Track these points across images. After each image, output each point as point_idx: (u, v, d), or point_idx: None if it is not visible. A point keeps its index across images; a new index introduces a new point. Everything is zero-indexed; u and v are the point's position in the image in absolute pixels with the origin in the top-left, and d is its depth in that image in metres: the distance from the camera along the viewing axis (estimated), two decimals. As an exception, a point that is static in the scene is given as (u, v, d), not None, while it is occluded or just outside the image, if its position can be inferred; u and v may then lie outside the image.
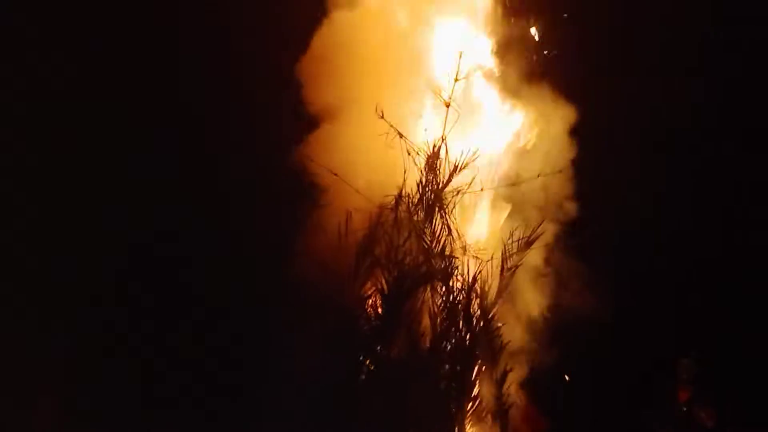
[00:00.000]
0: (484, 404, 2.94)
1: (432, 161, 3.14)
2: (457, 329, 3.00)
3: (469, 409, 2.90)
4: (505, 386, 2.94)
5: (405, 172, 3.10)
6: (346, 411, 2.87)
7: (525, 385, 3.26)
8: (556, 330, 3.40)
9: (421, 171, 3.14)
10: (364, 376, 2.91)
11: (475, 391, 2.93)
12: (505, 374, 3.18)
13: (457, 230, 3.16)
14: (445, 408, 2.87)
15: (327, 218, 3.16)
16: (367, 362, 2.95)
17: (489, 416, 2.93)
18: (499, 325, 3.08)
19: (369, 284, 3.03)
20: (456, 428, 2.82)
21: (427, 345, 2.99)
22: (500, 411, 3.47)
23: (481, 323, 3.07)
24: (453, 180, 3.17)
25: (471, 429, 2.89)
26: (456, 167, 3.13)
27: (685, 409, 5.50)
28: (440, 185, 3.15)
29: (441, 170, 3.15)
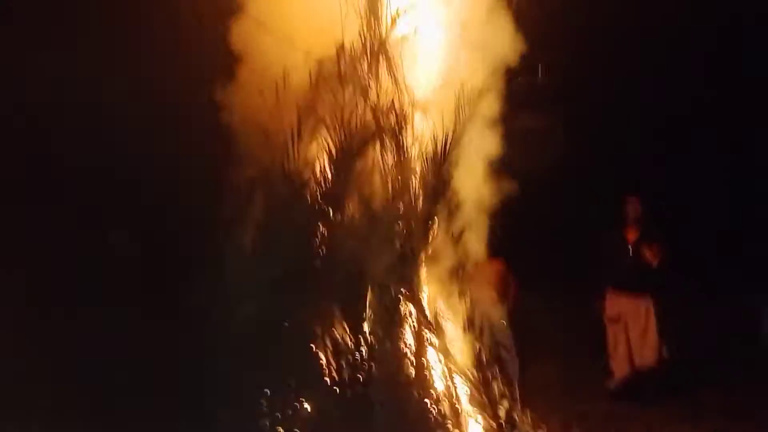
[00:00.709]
0: (441, 262, 2.88)
1: (373, 4, 2.82)
2: (410, 188, 2.85)
3: (427, 267, 2.83)
4: (465, 242, 2.90)
5: (343, 19, 2.77)
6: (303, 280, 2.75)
7: (489, 241, 3.18)
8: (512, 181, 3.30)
9: (362, 16, 2.83)
10: (318, 241, 2.76)
11: (431, 249, 2.85)
12: (461, 231, 3.16)
13: (405, 82, 2.92)
14: (403, 267, 2.79)
15: (263, 81, 2.85)
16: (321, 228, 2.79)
17: (449, 274, 2.89)
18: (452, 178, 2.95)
19: (314, 147, 2.81)
20: (414, 287, 2.76)
21: (380, 207, 2.84)
22: (459, 267, 3.48)
23: (435, 180, 2.93)
24: (398, 25, 2.88)
25: (431, 286, 2.84)
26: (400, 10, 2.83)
27: (631, 249, 5.71)
28: (384, 32, 2.85)
29: (384, 15, 2.84)
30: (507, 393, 2.93)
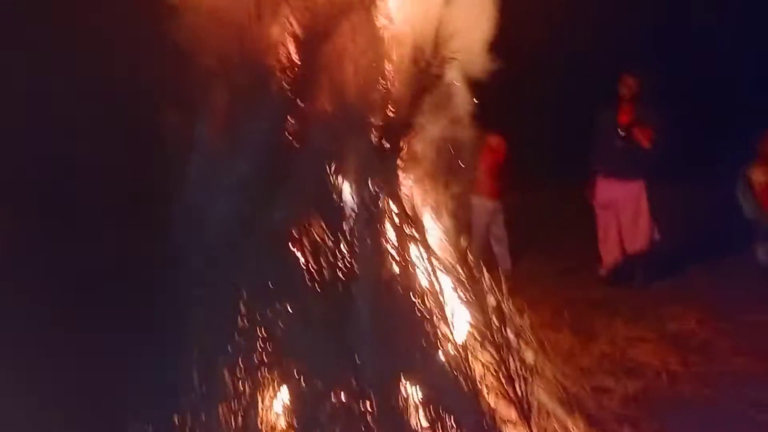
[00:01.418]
0: (420, 147, 2.69)
1: None
2: (386, 75, 2.61)
3: (404, 154, 2.65)
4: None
5: None
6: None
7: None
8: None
9: None
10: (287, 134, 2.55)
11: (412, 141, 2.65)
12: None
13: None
14: (381, 162, 2.61)
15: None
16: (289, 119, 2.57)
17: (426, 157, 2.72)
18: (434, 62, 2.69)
19: (276, 30, 2.52)
20: (393, 181, 2.59)
21: (353, 96, 2.61)
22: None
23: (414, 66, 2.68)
24: None
25: (408, 175, 2.67)
26: None
27: (624, 131, 5.50)
28: None
29: None
30: (494, 286, 2.83)
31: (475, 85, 3.38)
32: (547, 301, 5.57)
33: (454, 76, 2.88)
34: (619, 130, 5.44)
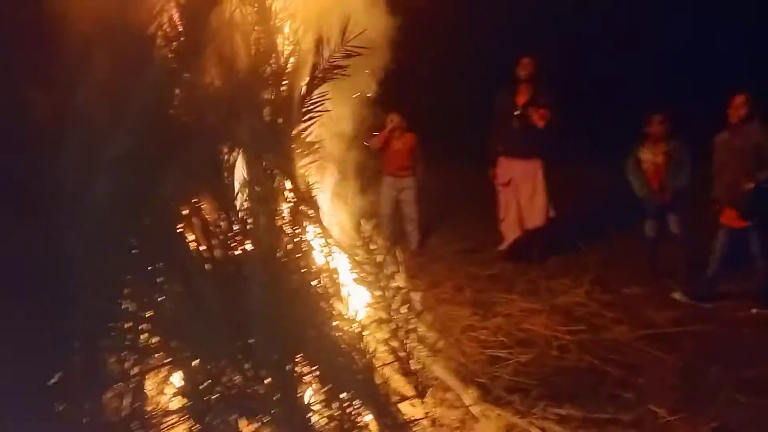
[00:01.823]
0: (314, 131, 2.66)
1: None
2: (277, 50, 2.55)
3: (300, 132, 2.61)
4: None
5: None
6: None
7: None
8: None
9: None
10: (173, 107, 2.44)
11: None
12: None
13: None
14: (274, 139, 2.55)
15: None
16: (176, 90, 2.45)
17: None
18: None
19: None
20: (287, 159, 2.55)
21: (244, 70, 2.53)
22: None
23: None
24: None
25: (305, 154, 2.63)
26: None
27: (520, 110, 5.70)
28: None
29: None
30: (395, 265, 2.86)
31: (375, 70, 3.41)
32: (450, 278, 5.74)
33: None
34: (515, 110, 5.64)
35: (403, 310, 2.79)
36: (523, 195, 5.95)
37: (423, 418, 2.81)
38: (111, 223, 2.32)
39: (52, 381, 2.14)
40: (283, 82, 2.63)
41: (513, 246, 6.17)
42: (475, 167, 6.64)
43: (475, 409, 3.19)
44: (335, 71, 2.54)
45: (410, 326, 2.70)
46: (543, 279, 5.70)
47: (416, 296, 3.06)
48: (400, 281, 2.86)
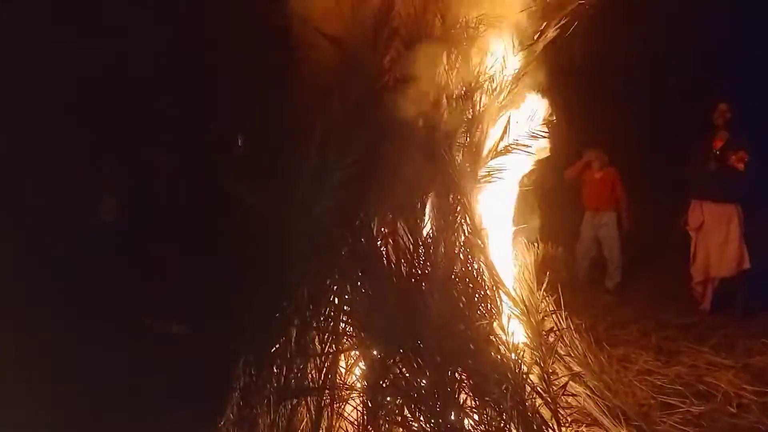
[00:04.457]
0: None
1: None
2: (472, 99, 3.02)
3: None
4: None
5: None
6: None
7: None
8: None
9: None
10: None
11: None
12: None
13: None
14: (462, 176, 3.03)
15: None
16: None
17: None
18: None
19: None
20: (469, 199, 3.00)
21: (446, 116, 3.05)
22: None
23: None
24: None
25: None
26: None
27: (718, 153, 5.51)
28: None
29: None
30: (551, 300, 3.17)
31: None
32: (637, 322, 5.69)
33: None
34: (712, 154, 5.51)
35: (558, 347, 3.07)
36: (713, 241, 5.69)
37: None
38: (329, 231, 2.99)
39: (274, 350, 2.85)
40: (476, 129, 3.11)
41: (704, 295, 5.91)
42: (673, 209, 6.44)
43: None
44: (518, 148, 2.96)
45: (557, 360, 2.96)
46: (741, 336, 5.36)
47: (578, 339, 3.30)
48: (557, 321, 3.15)
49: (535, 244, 3.59)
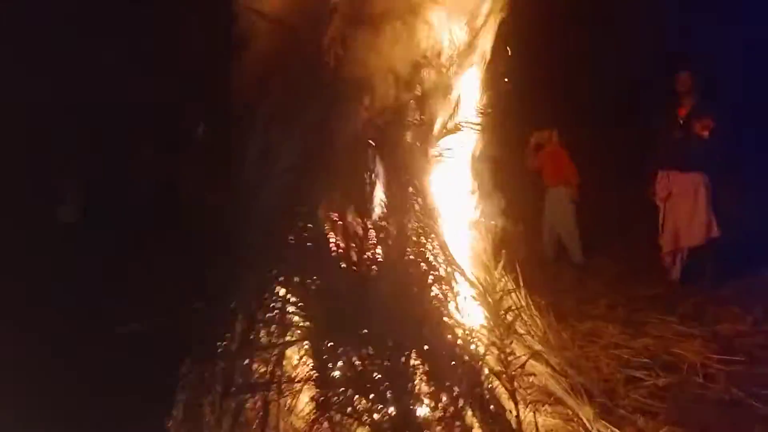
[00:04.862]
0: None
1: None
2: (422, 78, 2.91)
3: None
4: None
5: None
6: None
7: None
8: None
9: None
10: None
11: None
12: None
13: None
14: (412, 157, 2.93)
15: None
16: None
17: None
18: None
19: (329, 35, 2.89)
20: (419, 174, 2.91)
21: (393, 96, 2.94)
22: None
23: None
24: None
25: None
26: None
27: (682, 122, 5.48)
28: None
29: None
30: (510, 279, 3.10)
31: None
32: (605, 296, 5.68)
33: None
34: (677, 123, 5.47)
35: (518, 326, 3.00)
36: (682, 210, 5.67)
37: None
38: (276, 218, 2.88)
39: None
40: (426, 108, 3.00)
41: (682, 268, 5.90)
42: (634, 179, 6.42)
43: (590, 425, 3.28)
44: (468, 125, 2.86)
45: (518, 340, 2.90)
46: (710, 304, 5.36)
47: (538, 317, 3.24)
48: (517, 300, 3.08)
49: (494, 223, 3.50)
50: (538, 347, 3.16)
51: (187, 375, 2.64)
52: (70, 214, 5.48)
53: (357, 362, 2.62)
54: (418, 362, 2.68)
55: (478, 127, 3.02)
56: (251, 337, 2.68)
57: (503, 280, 3.22)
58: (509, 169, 5.07)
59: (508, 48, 3.13)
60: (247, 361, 2.64)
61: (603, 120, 8.50)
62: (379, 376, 2.59)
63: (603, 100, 8.41)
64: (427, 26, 2.96)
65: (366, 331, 2.67)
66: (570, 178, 6.62)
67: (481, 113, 2.99)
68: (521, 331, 3.12)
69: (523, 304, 3.25)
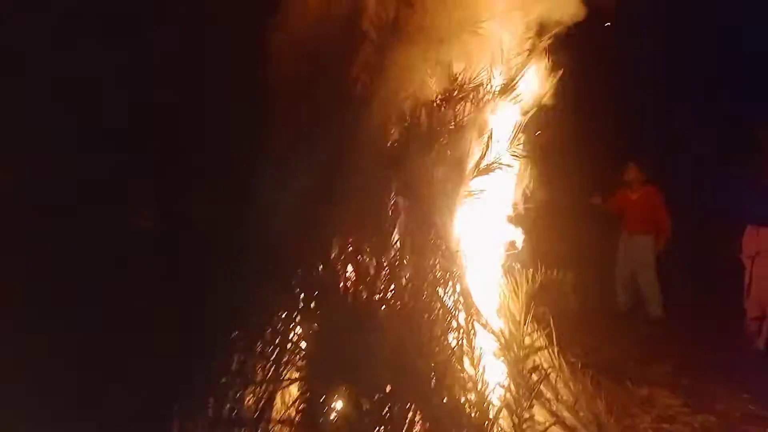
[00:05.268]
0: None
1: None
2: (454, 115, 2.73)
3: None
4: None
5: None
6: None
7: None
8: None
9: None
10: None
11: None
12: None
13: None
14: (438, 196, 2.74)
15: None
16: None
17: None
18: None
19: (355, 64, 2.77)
20: (443, 214, 2.71)
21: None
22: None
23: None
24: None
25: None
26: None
27: None
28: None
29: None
30: (542, 334, 2.82)
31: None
32: (677, 358, 5.17)
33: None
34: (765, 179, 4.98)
35: (543, 389, 2.72)
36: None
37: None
38: (287, 245, 2.75)
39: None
40: (457, 143, 2.81)
41: (766, 337, 5.30)
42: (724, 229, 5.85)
43: None
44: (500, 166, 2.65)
45: (538, 403, 2.62)
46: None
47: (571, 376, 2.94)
48: (548, 358, 2.80)
49: (532, 270, 3.23)
50: (564, 415, 2.84)
51: (178, 403, 2.55)
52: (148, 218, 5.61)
53: (350, 411, 2.44)
54: (417, 418, 2.46)
55: (515, 169, 2.78)
56: (245, 370, 2.56)
57: (533, 334, 2.94)
58: (562, 212, 4.76)
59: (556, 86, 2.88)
60: (238, 395, 2.51)
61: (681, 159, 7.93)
62: (369, 428, 2.40)
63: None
64: (465, 59, 2.78)
65: (366, 377, 2.48)
66: (661, 224, 6.05)
67: (516, 155, 2.74)
68: (548, 395, 2.81)
69: (555, 364, 2.94)
